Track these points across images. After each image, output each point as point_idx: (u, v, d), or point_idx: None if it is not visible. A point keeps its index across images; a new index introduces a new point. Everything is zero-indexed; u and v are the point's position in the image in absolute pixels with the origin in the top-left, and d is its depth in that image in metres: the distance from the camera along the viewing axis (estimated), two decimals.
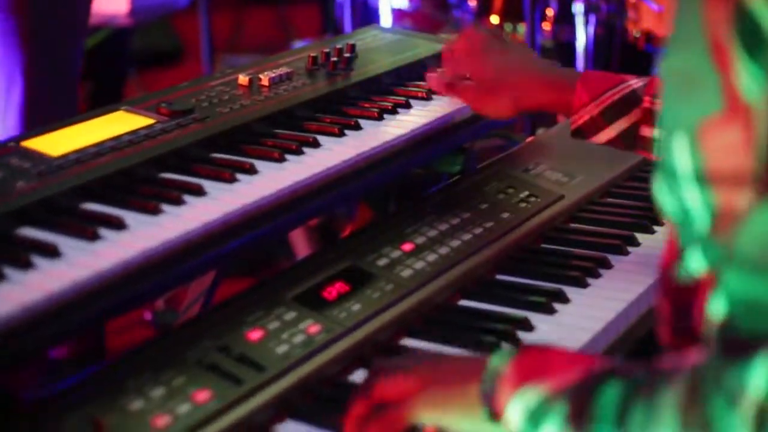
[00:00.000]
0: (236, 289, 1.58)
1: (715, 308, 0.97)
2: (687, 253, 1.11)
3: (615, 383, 1.05)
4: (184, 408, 1.30)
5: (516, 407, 1.13)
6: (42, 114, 2.63)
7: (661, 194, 1.11)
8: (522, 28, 3.60)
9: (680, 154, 1.05)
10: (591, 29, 3.45)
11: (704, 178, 1.04)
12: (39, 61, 2.63)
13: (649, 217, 1.88)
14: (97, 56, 3.94)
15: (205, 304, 2.13)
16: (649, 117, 1.69)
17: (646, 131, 1.71)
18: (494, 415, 1.16)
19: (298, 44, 4.74)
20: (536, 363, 1.15)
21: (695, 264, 1.10)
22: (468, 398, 1.19)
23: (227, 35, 5.95)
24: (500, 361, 1.18)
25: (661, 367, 1.05)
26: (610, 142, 1.75)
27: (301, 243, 3.36)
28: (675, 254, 1.18)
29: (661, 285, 1.23)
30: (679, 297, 1.17)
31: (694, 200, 1.05)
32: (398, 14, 4.08)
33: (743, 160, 1.00)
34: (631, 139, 1.73)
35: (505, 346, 1.49)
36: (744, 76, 0.98)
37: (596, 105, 1.73)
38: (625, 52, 3.41)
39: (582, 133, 1.76)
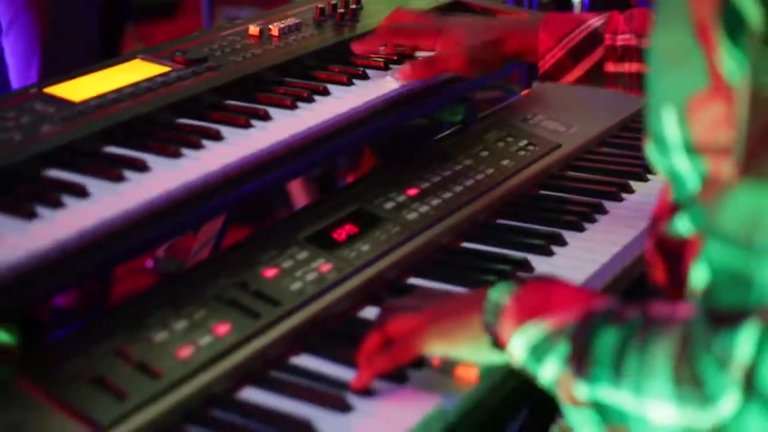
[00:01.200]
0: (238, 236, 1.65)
1: (699, 275, 1.03)
2: (677, 212, 1.18)
3: (612, 327, 1.11)
4: (205, 340, 1.38)
5: (519, 342, 1.20)
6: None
7: (653, 157, 1.18)
8: None
9: (669, 125, 1.11)
10: None
11: (692, 149, 1.10)
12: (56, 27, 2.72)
13: (643, 166, 1.95)
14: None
15: (214, 248, 2.21)
16: (612, 53, 1.75)
17: (610, 67, 1.76)
18: (498, 344, 1.24)
19: None
20: (537, 298, 1.21)
21: (683, 224, 1.17)
22: (473, 329, 1.26)
23: None
24: (501, 294, 1.24)
25: (655, 315, 1.10)
26: (578, 81, 1.79)
27: (300, 193, 3.43)
28: (666, 208, 1.24)
29: (653, 233, 1.28)
30: (669, 247, 1.23)
31: (684, 166, 1.12)
32: None
33: (728, 133, 1.07)
34: (598, 76, 1.77)
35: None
36: (726, 59, 1.03)
37: (561, 47, 1.77)
38: (621, 7, 3.46)
39: (550, 76, 1.80)
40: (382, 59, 1.90)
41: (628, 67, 1.74)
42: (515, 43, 1.80)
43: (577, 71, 1.78)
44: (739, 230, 0.98)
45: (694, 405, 1.02)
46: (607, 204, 1.86)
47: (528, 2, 3.62)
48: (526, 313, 1.21)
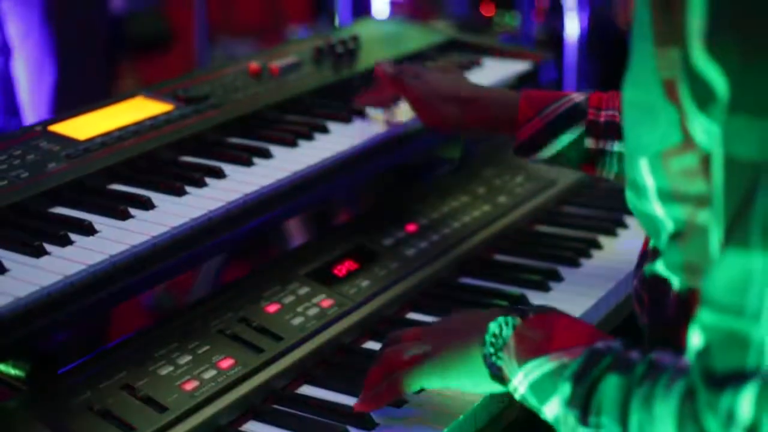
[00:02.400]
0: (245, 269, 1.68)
1: (694, 337, 1.04)
2: (656, 255, 1.21)
3: (615, 375, 1.12)
4: (209, 373, 1.40)
5: (520, 379, 1.22)
6: (76, 93, 2.76)
7: (630, 202, 1.21)
8: (514, 18, 3.68)
9: (644, 174, 1.14)
10: (583, 20, 3.53)
11: (667, 197, 1.13)
12: (69, 39, 2.75)
13: None
14: None
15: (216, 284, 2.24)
16: (594, 129, 1.64)
17: (591, 143, 1.65)
18: (500, 378, 1.26)
19: (293, 30, 4.82)
20: (539, 334, 1.23)
21: (661, 266, 1.20)
22: (472, 361, 1.28)
23: (217, 19, 6.01)
24: (501, 327, 1.26)
25: (659, 366, 1.11)
26: (555, 159, 1.68)
27: (305, 226, 3.45)
28: (648, 251, 1.26)
29: (639, 270, 1.30)
30: (654, 288, 1.24)
31: (660, 212, 1.15)
32: (391, 2, 4.16)
33: (701, 184, 1.09)
34: (577, 153, 1.66)
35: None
36: (696, 127, 1.05)
37: (541, 119, 1.66)
38: (615, 44, 3.51)
39: (526, 149, 1.69)
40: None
41: (610, 145, 1.63)
42: (493, 109, 1.70)
43: (556, 146, 1.66)
44: (729, 297, 1.00)
45: None
46: (603, 239, 1.89)
47: (525, 38, 3.66)
48: (527, 350, 1.22)
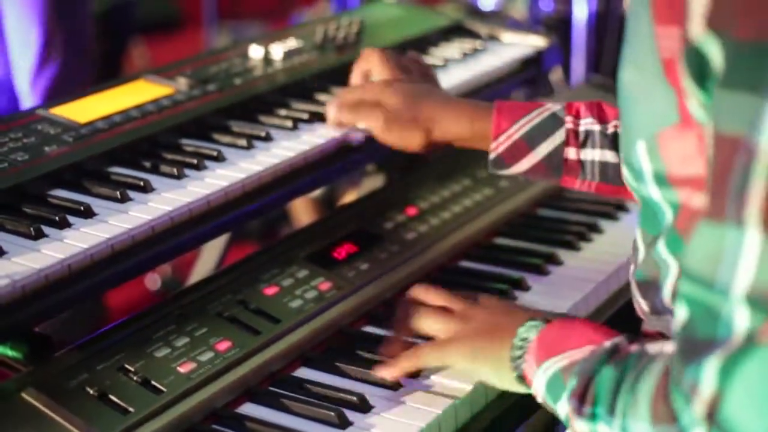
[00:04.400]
0: (245, 252, 1.68)
1: (678, 309, 1.05)
2: (653, 240, 1.21)
3: (610, 366, 1.14)
4: (206, 356, 1.41)
5: (540, 379, 1.24)
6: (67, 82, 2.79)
7: (629, 184, 1.22)
8: (523, 2, 3.67)
9: (642, 158, 1.15)
10: (591, 4, 3.52)
11: (664, 181, 1.14)
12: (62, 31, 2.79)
13: None
14: (103, 24, 4.02)
15: (216, 265, 2.25)
16: (573, 138, 1.57)
17: (570, 153, 1.57)
18: (523, 379, 1.29)
19: (302, 13, 4.82)
20: (558, 337, 1.26)
21: (661, 250, 1.20)
22: (501, 360, 1.31)
23: (227, 2, 6.02)
24: (529, 331, 1.29)
25: (647, 353, 1.13)
26: (533, 169, 1.60)
27: (306, 209, 3.47)
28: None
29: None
30: (650, 274, 1.26)
31: (657, 196, 1.15)
32: None
33: (699, 166, 1.10)
34: (555, 164, 1.59)
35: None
36: (693, 101, 1.07)
37: (517, 129, 1.58)
38: (623, 27, 3.50)
39: (502, 162, 1.60)
40: None
41: (590, 153, 1.57)
42: (461, 124, 1.61)
43: (533, 157, 1.58)
44: (703, 268, 1.00)
45: None
46: (603, 223, 1.89)
47: (533, 22, 3.65)
48: (546, 351, 1.25)
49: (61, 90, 2.83)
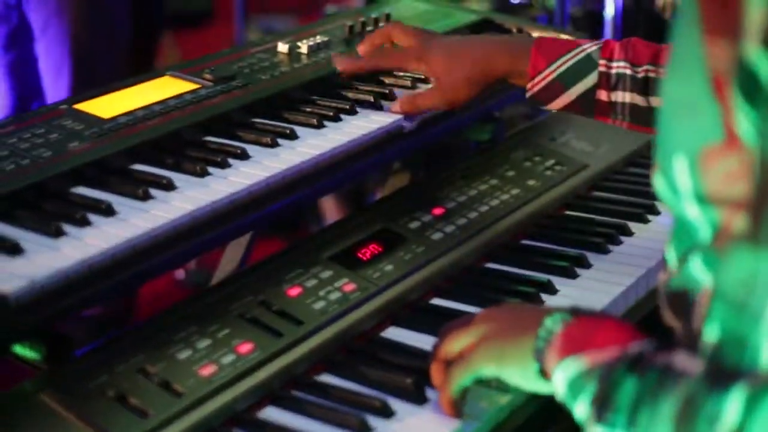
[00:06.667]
0: (270, 248, 1.66)
1: (709, 332, 1.02)
2: (684, 256, 1.18)
3: (634, 376, 1.10)
4: (228, 358, 1.39)
5: (560, 375, 1.20)
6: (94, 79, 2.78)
7: (666, 199, 1.18)
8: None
9: (680, 174, 1.10)
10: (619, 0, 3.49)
11: (704, 199, 1.09)
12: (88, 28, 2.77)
13: None
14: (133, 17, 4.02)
15: (242, 263, 2.23)
16: (605, 81, 1.68)
17: (602, 95, 1.69)
18: (544, 373, 1.24)
19: (330, 7, 4.79)
20: (583, 333, 1.21)
21: (696, 269, 1.16)
22: (524, 353, 1.26)
23: None
24: (555, 322, 1.24)
25: (673, 368, 1.09)
26: (567, 107, 1.72)
27: (330, 208, 3.45)
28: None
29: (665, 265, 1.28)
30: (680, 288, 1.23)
31: (695, 214, 1.11)
32: None
33: (742, 187, 1.06)
34: (588, 104, 1.70)
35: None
36: (741, 119, 1.02)
37: (552, 71, 1.70)
38: (652, 22, 3.46)
39: (539, 99, 1.73)
40: (409, 78, 1.91)
41: (621, 96, 1.68)
42: (503, 63, 1.73)
43: (567, 97, 1.71)
44: (737, 292, 0.97)
45: None
46: (633, 226, 1.86)
47: (560, 18, 3.62)
48: (569, 346, 1.21)
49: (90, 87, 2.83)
